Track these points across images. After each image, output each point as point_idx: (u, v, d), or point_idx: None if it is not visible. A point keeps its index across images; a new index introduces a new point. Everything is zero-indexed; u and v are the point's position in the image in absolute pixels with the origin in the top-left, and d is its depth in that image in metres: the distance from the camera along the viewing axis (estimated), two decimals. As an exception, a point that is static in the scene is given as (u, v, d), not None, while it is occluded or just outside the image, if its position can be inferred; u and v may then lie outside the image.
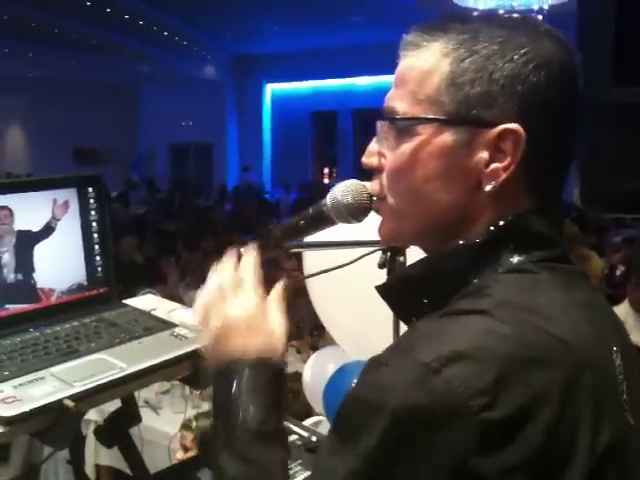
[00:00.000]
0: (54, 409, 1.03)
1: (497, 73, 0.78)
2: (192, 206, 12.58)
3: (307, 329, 4.61)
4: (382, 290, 0.87)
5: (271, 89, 17.84)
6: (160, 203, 13.42)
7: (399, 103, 0.83)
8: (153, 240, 8.27)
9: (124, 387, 1.15)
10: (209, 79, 16.92)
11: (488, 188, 0.79)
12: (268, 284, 0.88)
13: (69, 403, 1.03)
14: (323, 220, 0.94)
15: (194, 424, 2.95)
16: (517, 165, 0.78)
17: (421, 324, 0.77)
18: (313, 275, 1.64)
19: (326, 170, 17.82)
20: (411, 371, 0.67)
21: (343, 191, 0.91)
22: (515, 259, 0.79)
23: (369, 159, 0.87)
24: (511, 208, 0.80)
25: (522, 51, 0.78)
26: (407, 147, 0.82)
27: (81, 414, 1.06)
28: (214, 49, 15.77)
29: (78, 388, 1.06)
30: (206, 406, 3.71)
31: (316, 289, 2.55)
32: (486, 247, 0.79)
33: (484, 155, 0.79)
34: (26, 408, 1.01)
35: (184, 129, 17.78)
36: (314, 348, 4.06)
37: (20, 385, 1.06)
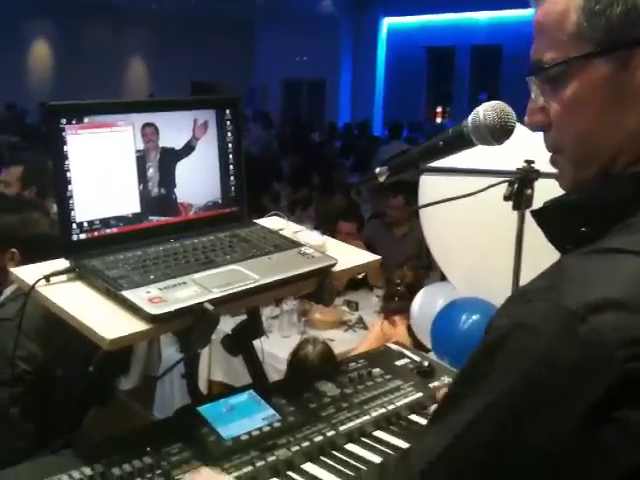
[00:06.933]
0: (195, 311, 1.12)
1: None
2: (303, 142, 12.69)
3: (414, 265, 4.63)
4: (538, 215, 0.85)
5: (387, 23, 17.44)
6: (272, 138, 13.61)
7: (544, 53, 0.81)
8: (263, 174, 8.45)
9: (257, 297, 1.24)
10: (325, 14, 16.74)
11: None
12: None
13: (209, 306, 1.12)
14: (462, 141, 0.94)
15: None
16: None
17: (571, 259, 0.75)
18: (431, 204, 1.65)
19: (439, 109, 17.40)
20: (556, 317, 0.67)
21: (486, 111, 0.90)
22: None
23: (533, 118, 0.85)
24: None
25: None
26: (567, 92, 0.80)
27: (218, 318, 1.15)
28: (331, -18, 15.56)
29: (217, 294, 1.15)
30: (312, 332, 3.85)
31: (431, 221, 2.56)
32: None
33: None
34: (171, 308, 1.11)
35: (298, 65, 17.80)
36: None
37: (165, 288, 1.16)
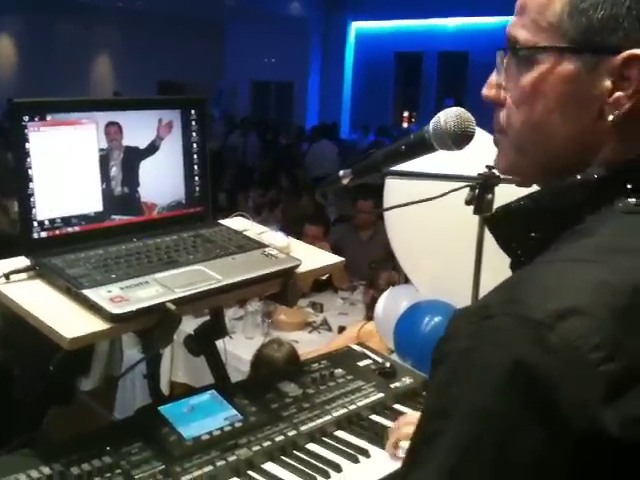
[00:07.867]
0: (158, 310, 1.12)
1: None
2: (270, 144, 12.70)
3: (379, 268, 4.66)
4: (489, 220, 0.85)
5: (355, 28, 17.50)
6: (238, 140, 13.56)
7: (521, 31, 0.80)
8: (232, 175, 8.44)
9: (219, 297, 1.24)
10: (294, 16, 16.75)
11: (611, 118, 0.75)
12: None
13: (171, 306, 1.12)
14: (423, 146, 0.96)
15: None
16: None
17: (526, 272, 0.73)
18: (395, 207, 1.67)
19: (406, 114, 17.53)
20: (523, 329, 0.65)
21: (447, 117, 0.92)
22: (634, 200, 0.74)
23: (490, 91, 0.85)
24: (635, 142, 0.76)
25: None
26: (528, 77, 0.79)
27: (180, 318, 1.15)
28: (301, -16, 15.58)
29: (179, 294, 1.15)
30: (276, 334, 3.85)
31: (395, 224, 2.59)
32: (604, 185, 0.76)
33: (607, 83, 0.75)
34: (133, 307, 1.11)
35: (267, 66, 17.77)
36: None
37: (127, 287, 1.16)
